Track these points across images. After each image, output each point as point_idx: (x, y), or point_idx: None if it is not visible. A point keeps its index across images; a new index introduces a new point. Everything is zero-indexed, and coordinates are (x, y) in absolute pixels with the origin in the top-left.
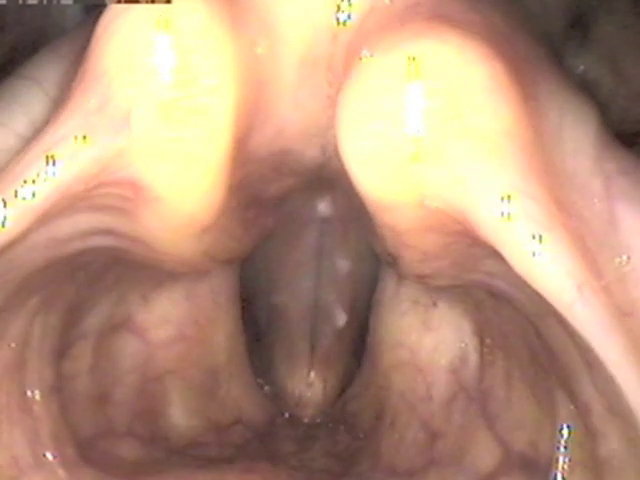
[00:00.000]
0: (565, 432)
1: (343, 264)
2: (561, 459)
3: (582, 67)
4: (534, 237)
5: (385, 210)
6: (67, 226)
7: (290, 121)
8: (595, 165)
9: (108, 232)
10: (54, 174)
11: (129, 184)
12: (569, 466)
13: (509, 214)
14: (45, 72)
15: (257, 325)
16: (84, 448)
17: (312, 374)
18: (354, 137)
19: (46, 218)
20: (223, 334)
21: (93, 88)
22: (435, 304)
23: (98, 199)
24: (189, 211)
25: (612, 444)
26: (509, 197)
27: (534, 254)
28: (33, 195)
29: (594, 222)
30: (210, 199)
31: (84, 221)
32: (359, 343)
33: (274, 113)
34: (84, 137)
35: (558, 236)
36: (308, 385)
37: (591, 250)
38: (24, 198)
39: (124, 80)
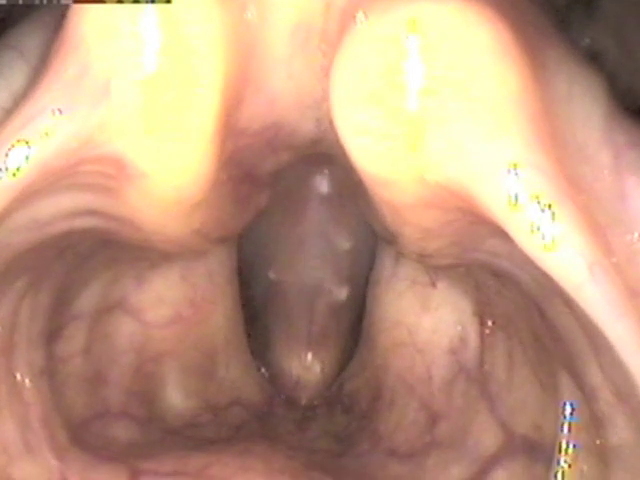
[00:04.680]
0: (568, 411)
1: (341, 241)
2: (564, 442)
3: (588, 40)
4: (542, 213)
5: (383, 185)
6: (49, 207)
7: (283, 92)
8: (605, 136)
9: (92, 212)
10: (32, 150)
11: (111, 160)
12: (573, 451)
13: (515, 189)
14: (27, 41)
15: (254, 305)
16: (77, 431)
17: (310, 355)
18: (348, 105)
19: (27, 197)
20: (221, 314)
21: (71, 57)
22: (434, 284)
23: (80, 177)
24: (176, 187)
25: (620, 431)
26: (516, 170)
27: (542, 231)
28: (11, 172)
29: (604, 196)
30: (199, 173)
31: (66, 201)
32: (357, 323)
33: (266, 83)
34: (62, 110)
35: (568, 212)
36: (306, 366)
37: (602, 226)
38: (1, 176)
39: (103, 48)
